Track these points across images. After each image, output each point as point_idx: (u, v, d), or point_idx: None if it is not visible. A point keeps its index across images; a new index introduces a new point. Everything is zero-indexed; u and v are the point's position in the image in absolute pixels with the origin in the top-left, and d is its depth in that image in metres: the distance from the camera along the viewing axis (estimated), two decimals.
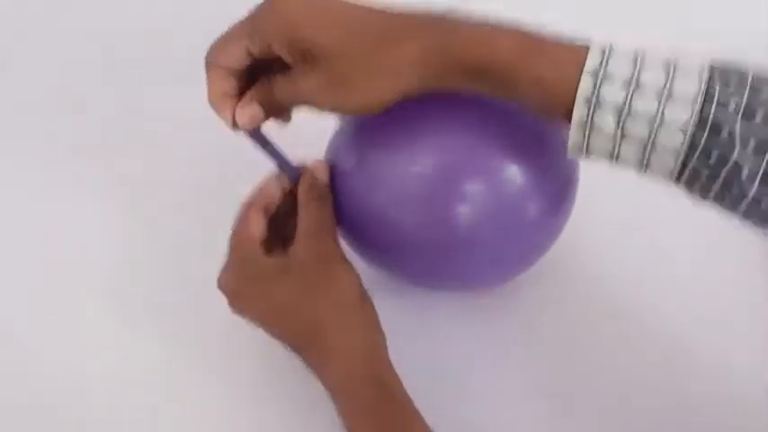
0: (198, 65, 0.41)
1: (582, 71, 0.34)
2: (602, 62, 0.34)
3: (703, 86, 0.33)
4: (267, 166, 0.46)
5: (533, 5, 0.50)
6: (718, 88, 0.33)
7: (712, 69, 0.34)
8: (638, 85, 0.34)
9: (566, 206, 0.46)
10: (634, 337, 0.51)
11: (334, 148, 0.46)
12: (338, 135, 0.46)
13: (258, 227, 0.44)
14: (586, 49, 0.35)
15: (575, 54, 0.35)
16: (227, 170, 0.56)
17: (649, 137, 0.34)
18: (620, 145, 0.35)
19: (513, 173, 0.42)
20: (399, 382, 0.42)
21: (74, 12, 0.71)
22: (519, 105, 0.39)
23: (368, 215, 0.43)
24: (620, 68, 0.34)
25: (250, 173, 0.46)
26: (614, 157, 0.36)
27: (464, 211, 0.42)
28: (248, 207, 0.45)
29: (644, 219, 0.55)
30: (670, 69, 0.34)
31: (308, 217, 0.43)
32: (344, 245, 0.45)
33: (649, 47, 0.35)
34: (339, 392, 0.41)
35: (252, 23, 0.39)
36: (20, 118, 0.64)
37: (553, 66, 0.35)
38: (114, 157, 0.61)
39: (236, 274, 0.44)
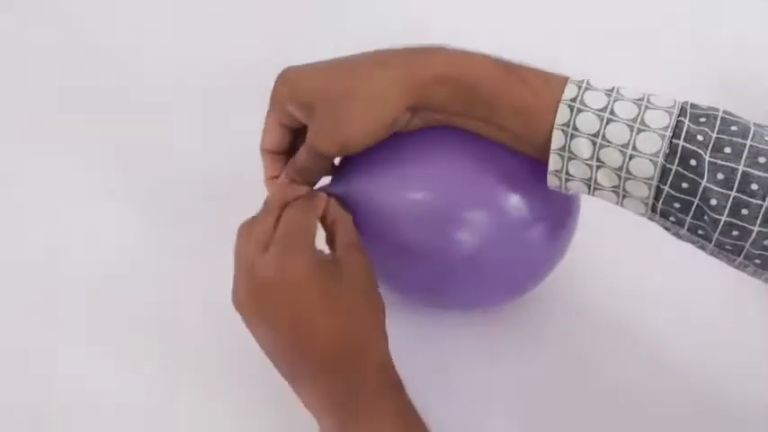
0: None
1: (559, 101, 0.37)
2: (578, 94, 0.37)
3: (673, 120, 0.36)
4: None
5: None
6: (687, 121, 0.35)
7: (683, 106, 0.36)
8: (612, 114, 0.36)
9: (567, 232, 0.47)
10: (637, 350, 0.52)
11: (336, 176, 0.48)
12: (340, 163, 0.48)
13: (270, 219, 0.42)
14: (564, 80, 0.38)
15: (553, 85, 0.37)
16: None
17: (623, 165, 0.36)
18: (596, 172, 0.37)
19: (515, 198, 0.43)
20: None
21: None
22: (498, 139, 0.40)
23: (371, 238, 0.45)
24: (595, 100, 0.37)
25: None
26: (592, 184, 0.38)
27: (465, 235, 0.43)
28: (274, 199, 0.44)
29: (646, 231, 0.55)
30: (642, 103, 0.36)
31: (349, 228, 0.43)
32: None
33: (623, 85, 0.38)
34: None
35: (273, 99, 0.43)
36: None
37: (533, 93, 0.37)
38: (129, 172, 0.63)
39: (251, 275, 0.39)
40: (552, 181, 0.40)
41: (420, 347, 0.52)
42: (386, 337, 0.41)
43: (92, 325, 0.54)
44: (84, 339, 0.53)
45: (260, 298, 0.39)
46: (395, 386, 0.40)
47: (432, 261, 0.44)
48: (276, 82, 0.43)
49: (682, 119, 0.36)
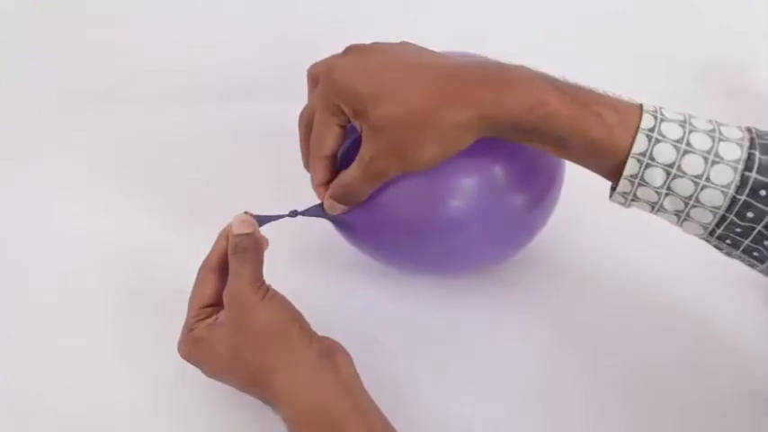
0: None
1: (637, 129, 0.38)
2: (655, 124, 0.38)
3: (745, 153, 0.37)
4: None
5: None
6: (758, 153, 0.37)
7: (751, 136, 0.38)
8: (688, 146, 0.37)
9: (548, 202, 0.49)
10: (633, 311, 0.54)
11: None
12: None
13: (207, 287, 0.46)
14: (635, 108, 0.39)
15: (624, 115, 0.38)
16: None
17: (693, 194, 0.38)
18: (664, 198, 0.39)
19: (499, 169, 0.45)
20: (357, 407, 0.42)
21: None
22: (562, 157, 0.42)
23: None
24: (671, 131, 0.38)
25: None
26: (656, 208, 0.40)
27: (451, 202, 0.44)
28: (202, 268, 0.46)
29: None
30: (715, 135, 0.38)
31: (230, 270, 0.45)
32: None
33: (690, 113, 0.39)
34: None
35: (327, 101, 0.42)
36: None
37: (605, 129, 0.38)
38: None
39: (184, 335, 0.45)
40: (616, 199, 0.41)
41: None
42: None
43: (88, 322, 0.53)
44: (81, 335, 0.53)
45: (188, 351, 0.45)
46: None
47: (419, 229, 0.45)
48: (328, 81, 0.42)
49: (753, 151, 0.37)
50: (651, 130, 0.37)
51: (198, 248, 0.46)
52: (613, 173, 0.39)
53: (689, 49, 0.74)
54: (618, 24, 0.74)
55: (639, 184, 0.38)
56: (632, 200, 0.40)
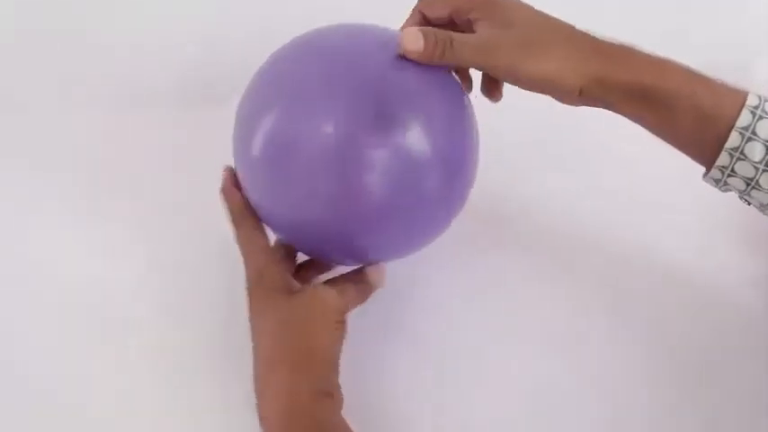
0: None
1: (743, 105, 0.41)
2: (759, 103, 0.41)
3: None
4: None
5: None
6: None
7: None
8: None
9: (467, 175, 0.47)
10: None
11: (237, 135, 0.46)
12: (241, 122, 0.46)
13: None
14: (744, 91, 0.42)
15: (733, 92, 0.42)
16: None
17: None
18: (761, 174, 0.41)
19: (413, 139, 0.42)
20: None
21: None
22: (656, 130, 0.44)
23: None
24: None
25: None
26: (751, 185, 0.42)
27: (363, 178, 0.42)
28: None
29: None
30: None
31: (238, 241, 0.47)
32: None
33: None
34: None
35: None
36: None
37: (715, 97, 0.41)
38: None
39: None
40: (714, 174, 0.43)
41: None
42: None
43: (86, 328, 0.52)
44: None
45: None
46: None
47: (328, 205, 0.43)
48: None
49: None
50: (756, 107, 0.41)
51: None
52: (709, 147, 0.42)
53: (688, 51, 0.72)
54: (617, 26, 0.73)
55: (739, 158, 0.41)
56: (729, 174, 0.42)
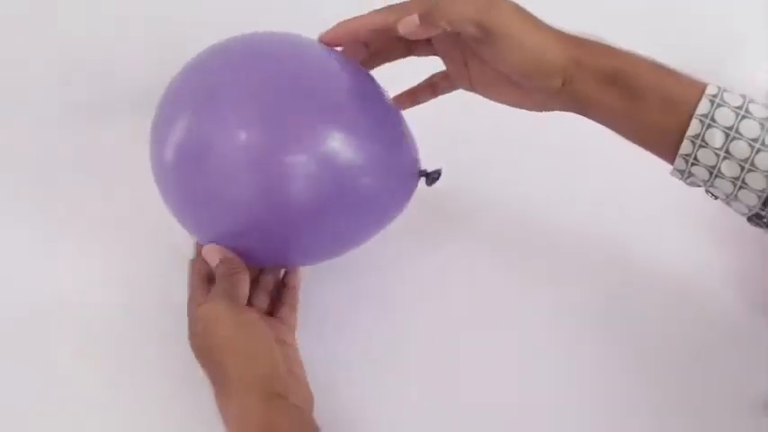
0: None
1: (703, 94, 0.42)
2: (718, 92, 0.42)
3: None
4: None
5: None
6: None
7: None
8: (746, 113, 0.41)
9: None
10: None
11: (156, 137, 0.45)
12: (159, 122, 0.45)
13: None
14: (705, 82, 0.43)
15: (696, 82, 0.43)
16: None
17: (749, 157, 0.41)
18: (722, 161, 0.42)
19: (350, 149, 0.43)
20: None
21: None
22: (625, 127, 0.45)
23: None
24: (732, 99, 0.42)
25: None
26: (715, 171, 0.43)
27: (296, 185, 0.42)
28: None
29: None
30: None
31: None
32: None
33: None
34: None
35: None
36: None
37: (678, 85, 0.43)
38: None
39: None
40: (679, 164, 0.44)
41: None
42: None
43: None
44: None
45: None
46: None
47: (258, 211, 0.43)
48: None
49: None
50: (714, 96, 0.42)
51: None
52: (673, 135, 0.43)
53: (688, 54, 0.71)
54: (615, 28, 0.73)
55: (701, 146, 0.42)
56: (693, 163, 0.43)
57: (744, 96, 0.42)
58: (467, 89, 0.51)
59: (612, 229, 0.59)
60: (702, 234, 0.58)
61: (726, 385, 0.50)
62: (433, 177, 0.48)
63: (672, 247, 0.58)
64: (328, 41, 0.47)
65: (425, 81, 0.53)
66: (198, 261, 0.48)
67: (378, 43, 0.49)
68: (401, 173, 0.47)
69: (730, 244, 0.57)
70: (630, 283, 0.56)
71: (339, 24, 0.47)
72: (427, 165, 0.49)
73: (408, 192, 0.48)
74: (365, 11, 0.46)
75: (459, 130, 0.55)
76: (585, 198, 0.61)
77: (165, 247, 0.55)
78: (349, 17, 0.47)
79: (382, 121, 0.46)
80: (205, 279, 0.47)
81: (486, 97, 0.50)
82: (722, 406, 0.49)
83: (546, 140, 0.60)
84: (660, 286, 0.56)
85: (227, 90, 0.42)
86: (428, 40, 0.49)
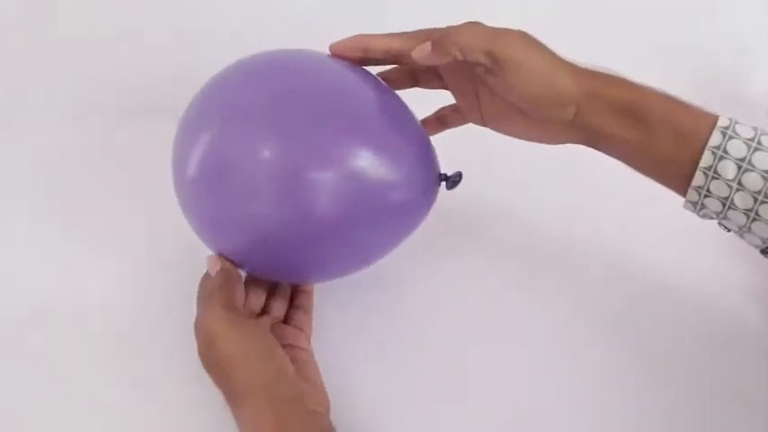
0: None
1: (714, 126, 0.42)
2: (730, 124, 0.42)
3: None
4: None
5: None
6: None
7: None
8: (759, 144, 0.41)
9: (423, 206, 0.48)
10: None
11: (179, 153, 0.46)
12: (181, 137, 0.46)
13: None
14: (717, 114, 0.43)
15: (708, 114, 0.43)
16: None
17: (762, 189, 0.41)
18: (734, 193, 0.42)
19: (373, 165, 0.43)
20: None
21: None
22: (639, 161, 0.45)
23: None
24: (744, 131, 0.42)
25: None
26: (727, 203, 0.43)
27: (318, 202, 0.42)
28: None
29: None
30: None
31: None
32: None
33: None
34: None
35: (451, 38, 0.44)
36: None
37: (690, 117, 0.43)
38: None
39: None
40: (691, 196, 0.44)
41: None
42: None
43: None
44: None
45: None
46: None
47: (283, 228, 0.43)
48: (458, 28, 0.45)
49: None
50: (726, 128, 0.42)
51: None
52: (685, 168, 0.43)
53: (687, 57, 0.73)
54: (614, 30, 0.73)
55: (713, 177, 0.42)
56: (705, 195, 0.43)
57: (756, 128, 0.42)
58: (477, 123, 0.51)
59: (625, 242, 0.60)
60: (712, 245, 0.58)
61: (735, 393, 0.50)
62: (453, 180, 0.48)
63: (683, 260, 0.58)
64: (339, 51, 0.47)
65: (434, 114, 0.54)
66: (204, 275, 0.48)
67: (386, 72, 0.51)
68: (424, 182, 0.47)
69: (741, 255, 0.57)
70: (642, 296, 0.56)
71: (355, 37, 0.47)
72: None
73: (430, 200, 0.49)
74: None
75: (473, 148, 0.56)
76: (597, 210, 0.62)
77: (165, 248, 0.56)
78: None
79: (407, 135, 0.46)
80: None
81: (498, 131, 0.50)
82: (732, 414, 0.49)
83: (557, 154, 0.61)
84: (672, 299, 0.56)
85: (251, 106, 0.43)
86: (436, 72, 0.50)
